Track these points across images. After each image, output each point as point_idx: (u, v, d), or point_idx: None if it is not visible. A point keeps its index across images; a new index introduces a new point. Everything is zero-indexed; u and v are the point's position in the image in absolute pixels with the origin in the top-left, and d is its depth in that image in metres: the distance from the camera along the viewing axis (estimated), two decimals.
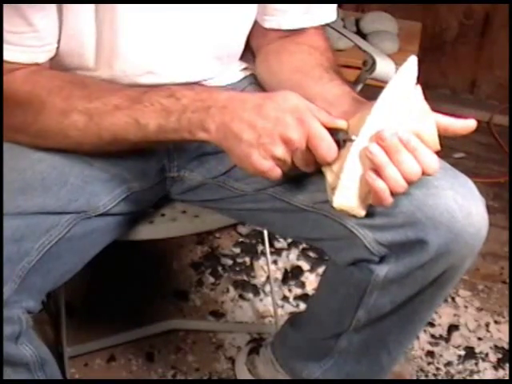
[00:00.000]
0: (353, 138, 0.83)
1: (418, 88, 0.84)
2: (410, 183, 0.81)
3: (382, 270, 0.95)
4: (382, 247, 0.93)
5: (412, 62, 0.85)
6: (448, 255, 0.91)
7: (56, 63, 0.99)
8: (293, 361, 1.18)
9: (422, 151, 0.80)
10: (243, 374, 1.34)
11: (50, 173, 0.95)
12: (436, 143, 0.83)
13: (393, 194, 0.81)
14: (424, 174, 0.81)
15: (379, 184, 0.80)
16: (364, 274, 0.97)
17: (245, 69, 1.14)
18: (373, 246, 0.94)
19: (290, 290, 1.64)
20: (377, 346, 1.07)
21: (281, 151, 0.84)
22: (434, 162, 0.81)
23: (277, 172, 0.86)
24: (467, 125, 0.84)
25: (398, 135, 0.80)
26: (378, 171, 0.80)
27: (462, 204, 0.90)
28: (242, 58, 1.13)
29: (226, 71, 1.10)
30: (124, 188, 1.03)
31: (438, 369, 1.48)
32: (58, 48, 0.97)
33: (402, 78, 0.84)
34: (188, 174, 1.09)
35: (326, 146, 0.83)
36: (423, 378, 1.46)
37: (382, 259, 0.95)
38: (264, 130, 0.83)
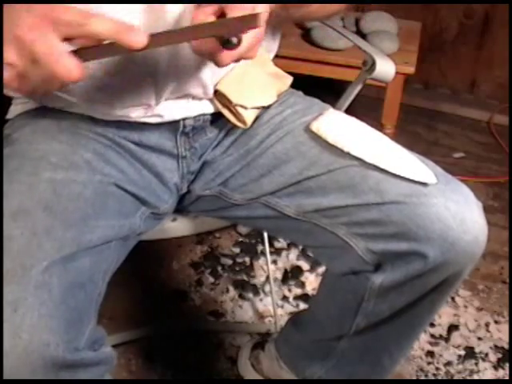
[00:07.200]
0: None
1: None
2: None
3: (377, 278, 0.94)
4: (375, 256, 0.92)
5: None
6: (447, 265, 0.89)
7: None
8: (296, 359, 1.18)
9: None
10: (246, 368, 1.33)
11: (94, 199, 0.88)
12: None
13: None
14: None
15: None
16: (361, 282, 0.96)
17: None
18: (365, 254, 0.93)
19: (289, 290, 1.63)
20: (378, 348, 1.06)
21: None
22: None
23: None
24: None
25: None
26: None
27: (454, 211, 0.87)
28: None
29: None
30: (144, 209, 1.00)
31: (437, 369, 1.47)
32: None
33: None
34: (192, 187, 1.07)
35: None
36: (423, 377, 1.46)
37: (378, 267, 0.94)
38: None
